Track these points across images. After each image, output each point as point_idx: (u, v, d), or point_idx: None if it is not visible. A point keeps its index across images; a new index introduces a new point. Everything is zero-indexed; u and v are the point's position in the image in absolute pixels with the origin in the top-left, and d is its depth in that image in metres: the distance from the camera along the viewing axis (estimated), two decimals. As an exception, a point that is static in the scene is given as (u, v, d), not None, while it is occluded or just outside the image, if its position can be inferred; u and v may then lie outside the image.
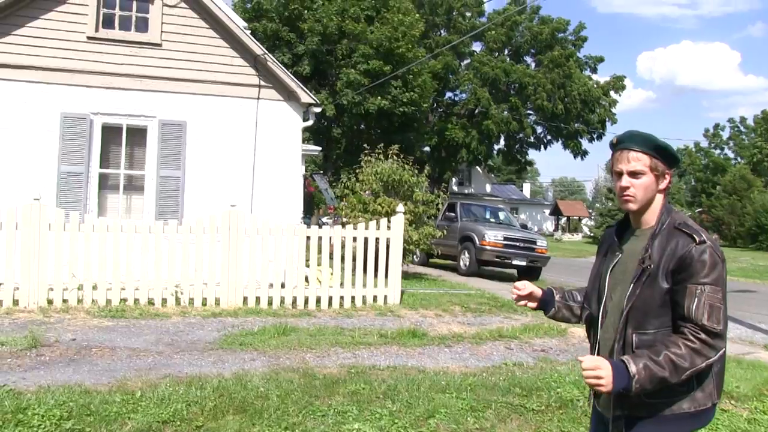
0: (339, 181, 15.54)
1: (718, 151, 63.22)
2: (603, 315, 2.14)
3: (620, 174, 2.07)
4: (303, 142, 11.11)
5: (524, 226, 19.18)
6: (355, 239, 8.86)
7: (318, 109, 11.24)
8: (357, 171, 13.15)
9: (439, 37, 34.85)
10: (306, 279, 8.88)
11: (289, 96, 10.35)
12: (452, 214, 16.18)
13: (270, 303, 8.33)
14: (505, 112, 32.97)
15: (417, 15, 27.20)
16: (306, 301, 8.51)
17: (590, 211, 64.41)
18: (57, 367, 5.12)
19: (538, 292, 2.37)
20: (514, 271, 15.47)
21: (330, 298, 8.67)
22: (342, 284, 8.76)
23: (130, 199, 9.72)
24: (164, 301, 7.94)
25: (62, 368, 5.08)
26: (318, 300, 8.60)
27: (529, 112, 34.77)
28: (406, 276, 11.76)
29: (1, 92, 9.01)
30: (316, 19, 24.57)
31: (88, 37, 9.38)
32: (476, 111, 34.08)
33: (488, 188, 49.05)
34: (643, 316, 1.99)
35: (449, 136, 32.77)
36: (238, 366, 5.38)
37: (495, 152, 37.53)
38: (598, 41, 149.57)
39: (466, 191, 45.36)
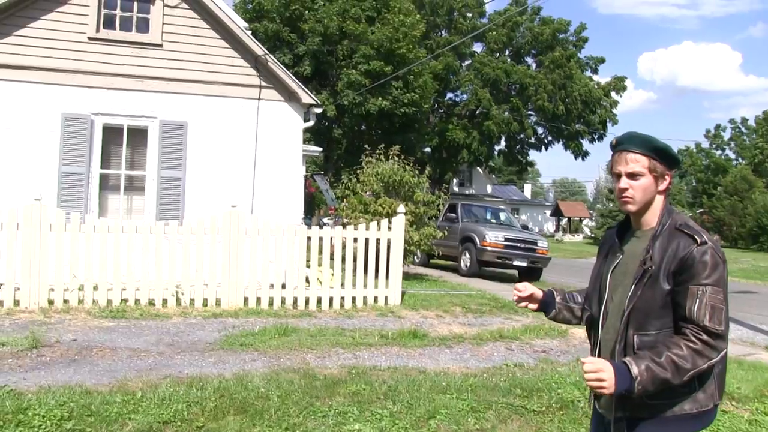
0: (340, 182, 15.52)
1: (719, 152, 63.18)
2: (604, 316, 2.14)
3: (619, 175, 2.08)
4: (304, 142, 11.11)
5: (525, 227, 19.18)
6: (355, 240, 8.86)
7: (319, 110, 11.23)
8: (358, 172, 13.14)
9: (440, 37, 34.85)
10: (307, 279, 8.88)
11: (290, 96, 10.36)
12: (453, 214, 16.17)
13: (271, 303, 8.33)
14: (506, 113, 32.95)
15: (418, 16, 27.18)
16: (307, 302, 8.51)
17: (591, 211, 64.43)
18: (58, 367, 5.12)
19: (539, 293, 2.38)
20: (515, 272, 15.47)
21: (331, 299, 8.67)
22: (343, 285, 8.76)
23: (131, 199, 9.73)
24: (165, 301, 7.95)
25: (63, 369, 5.09)
26: (319, 301, 8.60)
27: (530, 112, 34.77)
28: (406, 277, 11.75)
29: (2, 93, 9.03)
30: (317, 20, 24.56)
31: (89, 38, 9.39)
32: (477, 112, 34.11)
33: (489, 189, 49.06)
34: (644, 317, 1.99)
35: (450, 136, 32.78)
36: (239, 366, 5.39)
37: (496, 153, 37.59)
38: (599, 42, 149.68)
39: (466, 192, 45.39)
